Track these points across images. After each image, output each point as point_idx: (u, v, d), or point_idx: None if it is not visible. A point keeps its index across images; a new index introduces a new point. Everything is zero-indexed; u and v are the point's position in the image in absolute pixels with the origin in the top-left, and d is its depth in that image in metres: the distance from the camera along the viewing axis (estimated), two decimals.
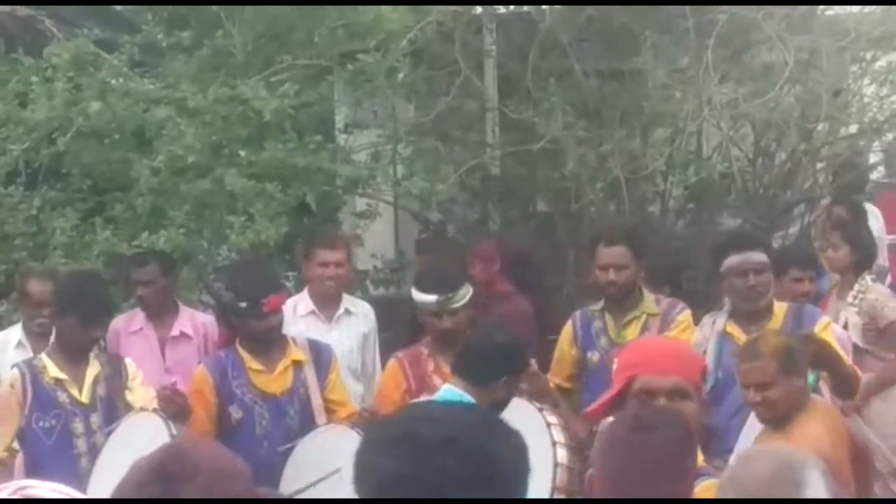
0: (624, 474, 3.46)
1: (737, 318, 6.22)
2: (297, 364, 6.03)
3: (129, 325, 6.95)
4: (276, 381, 5.98)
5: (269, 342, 6.01)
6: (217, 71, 8.03)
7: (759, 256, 6.25)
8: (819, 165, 8.80)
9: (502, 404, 5.13)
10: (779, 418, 5.17)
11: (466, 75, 8.09)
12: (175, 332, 7.03)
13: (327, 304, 7.15)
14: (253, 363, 5.97)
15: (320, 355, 6.12)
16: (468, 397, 5.07)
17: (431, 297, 6.00)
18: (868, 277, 7.26)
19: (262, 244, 7.29)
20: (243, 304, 5.91)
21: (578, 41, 8.27)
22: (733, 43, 8.25)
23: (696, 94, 7.78)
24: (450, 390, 5.21)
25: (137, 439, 5.38)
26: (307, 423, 5.91)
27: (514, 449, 2.41)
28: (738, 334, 6.13)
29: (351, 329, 7.14)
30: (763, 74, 8.16)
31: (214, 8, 8.16)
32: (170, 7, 8.38)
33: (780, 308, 6.20)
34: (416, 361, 6.07)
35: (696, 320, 7.02)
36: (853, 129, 8.75)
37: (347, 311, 7.20)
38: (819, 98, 7.95)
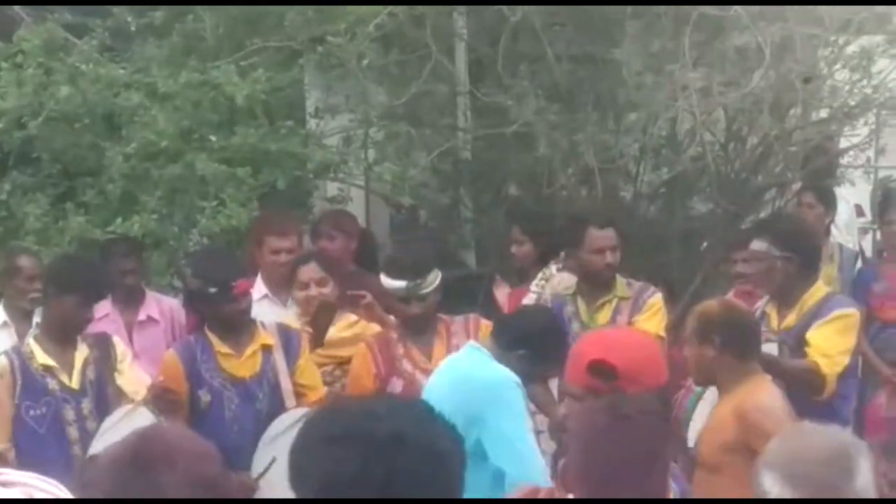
0: (603, 463, 3.47)
1: (772, 301, 6.31)
2: (266, 348, 6.04)
3: (95, 312, 6.93)
4: (244, 365, 5.99)
5: (240, 326, 6.02)
6: (188, 55, 7.99)
7: (754, 245, 6.31)
8: (790, 150, 8.80)
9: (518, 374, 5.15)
10: (697, 380, 5.47)
11: (438, 59, 8.07)
12: (142, 316, 7.02)
13: (282, 287, 7.11)
14: (222, 347, 5.98)
15: (289, 339, 6.14)
16: (488, 354, 5.20)
17: (401, 283, 6.00)
18: (553, 267, 7.24)
19: (234, 229, 7.26)
20: (213, 290, 5.91)
21: (550, 25, 8.25)
22: (706, 28, 8.24)
23: (670, 79, 7.77)
24: (473, 345, 5.31)
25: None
26: (276, 407, 5.93)
27: (455, 442, 2.38)
28: (773, 316, 6.25)
29: None
30: (736, 60, 8.15)
31: None
32: None
33: (820, 291, 6.25)
34: (386, 346, 6.08)
35: (669, 305, 7.08)
36: (824, 113, 8.76)
37: None
38: (791, 83, 7.94)
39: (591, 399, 3.86)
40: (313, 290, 6.44)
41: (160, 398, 5.71)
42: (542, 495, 3.89)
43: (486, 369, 5.16)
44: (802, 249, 6.37)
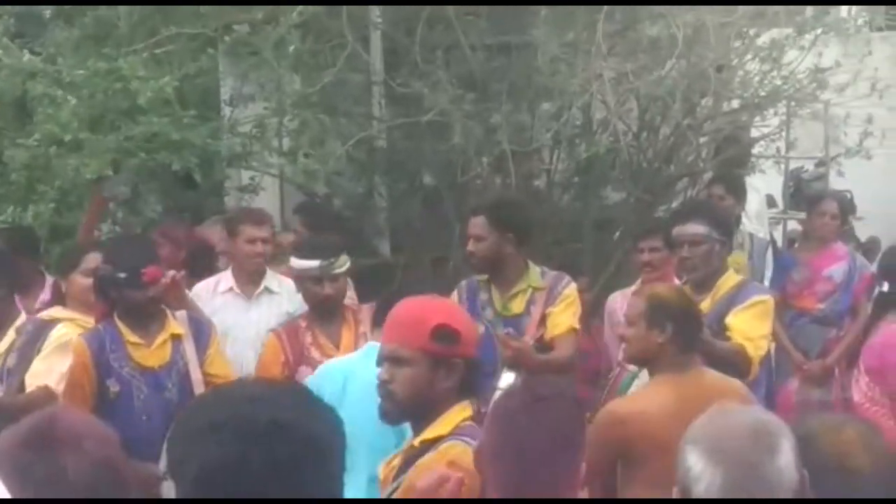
0: (521, 447, 3.48)
1: (688, 287, 6.32)
2: (176, 337, 6.00)
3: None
4: (154, 354, 5.95)
5: (148, 314, 5.98)
6: (100, 42, 7.91)
7: (694, 228, 6.33)
8: (702, 140, 8.90)
9: None
10: (634, 361, 5.42)
11: (353, 48, 8.05)
12: (39, 304, 6.94)
13: (249, 282, 7.08)
14: (131, 336, 5.93)
15: (200, 329, 6.11)
16: None
17: (313, 263, 6.01)
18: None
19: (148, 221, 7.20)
20: (122, 275, 5.87)
21: (465, 14, 8.27)
22: (620, 17, 8.30)
23: (584, 68, 7.82)
24: (374, 345, 5.25)
25: None
26: (186, 397, 5.88)
27: (334, 427, 2.35)
28: None
29: (272, 308, 7.01)
30: (649, 49, 8.22)
31: None
32: None
33: (732, 279, 6.30)
34: (294, 335, 6.07)
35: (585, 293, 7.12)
36: (735, 104, 8.86)
37: (268, 290, 7.08)
38: (704, 72, 8.02)
39: (425, 363, 3.86)
40: None
41: None
42: (451, 483, 3.90)
43: None
44: (731, 234, 6.55)
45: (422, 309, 4.03)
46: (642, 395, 5.17)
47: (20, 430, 2.63)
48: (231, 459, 2.21)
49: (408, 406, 3.92)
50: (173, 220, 8.01)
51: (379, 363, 3.97)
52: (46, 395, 5.80)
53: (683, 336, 5.14)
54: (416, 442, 3.92)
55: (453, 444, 3.81)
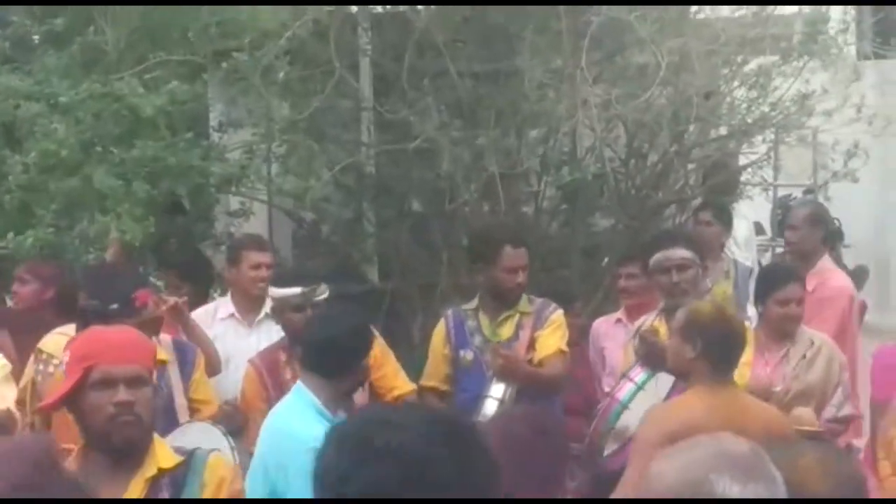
0: (519, 472, 3.51)
1: (665, 314, 6.35)
2: (161, 364, 5.96)
3: None
4: None
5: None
6: (89, 67, 7.93)
7: (682, 252, 6.38)
8: (690, 167, 8.91)
9: (354, 389, 5.19)
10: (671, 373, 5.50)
11: (341, 74, 8.06)
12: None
13: (250, 308, 7.05)
14: None
15: (185, 355, 6.08)
16: (312, 396, 5.17)
17: (295, 290, 6.03)
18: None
19: (128, 244, 7.18)
20: (115, 306, 5.82)
21: (453, 41, 8.29)
22: (606, 44, 8.33)
23: (570, 94, 7.84)
24: (300, 390, 5.25)
25: None
26: (170, 424, 5.82)
27: (461, 457, 2.42)
28: (663, 330, 6.27)
29: (272, 334, 6.86)
30: (636, 76, 8.24)
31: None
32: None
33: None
34: (274, 368, 6.07)
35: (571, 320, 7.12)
36: (723, 131, 8.88)
37: (269, 316, 7.01)
38: (690, 100, 8.04)
39: (150, 384, 3.84)
40: None
41: None
42: None
43: (300, 423, 5.11)
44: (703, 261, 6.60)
45: (137, 335, 4.00)
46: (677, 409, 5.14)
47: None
48: (345, 474, 2.40)
49: (149, 429, 3.78)
50: (42, 260, 7.56)
51: (104, 387, 3.74)
52: (9, 418, 5.78)
53: (714, 354, 5.12)
54: (156, 470, 3.74)
55: (217, 456, 3.85)
